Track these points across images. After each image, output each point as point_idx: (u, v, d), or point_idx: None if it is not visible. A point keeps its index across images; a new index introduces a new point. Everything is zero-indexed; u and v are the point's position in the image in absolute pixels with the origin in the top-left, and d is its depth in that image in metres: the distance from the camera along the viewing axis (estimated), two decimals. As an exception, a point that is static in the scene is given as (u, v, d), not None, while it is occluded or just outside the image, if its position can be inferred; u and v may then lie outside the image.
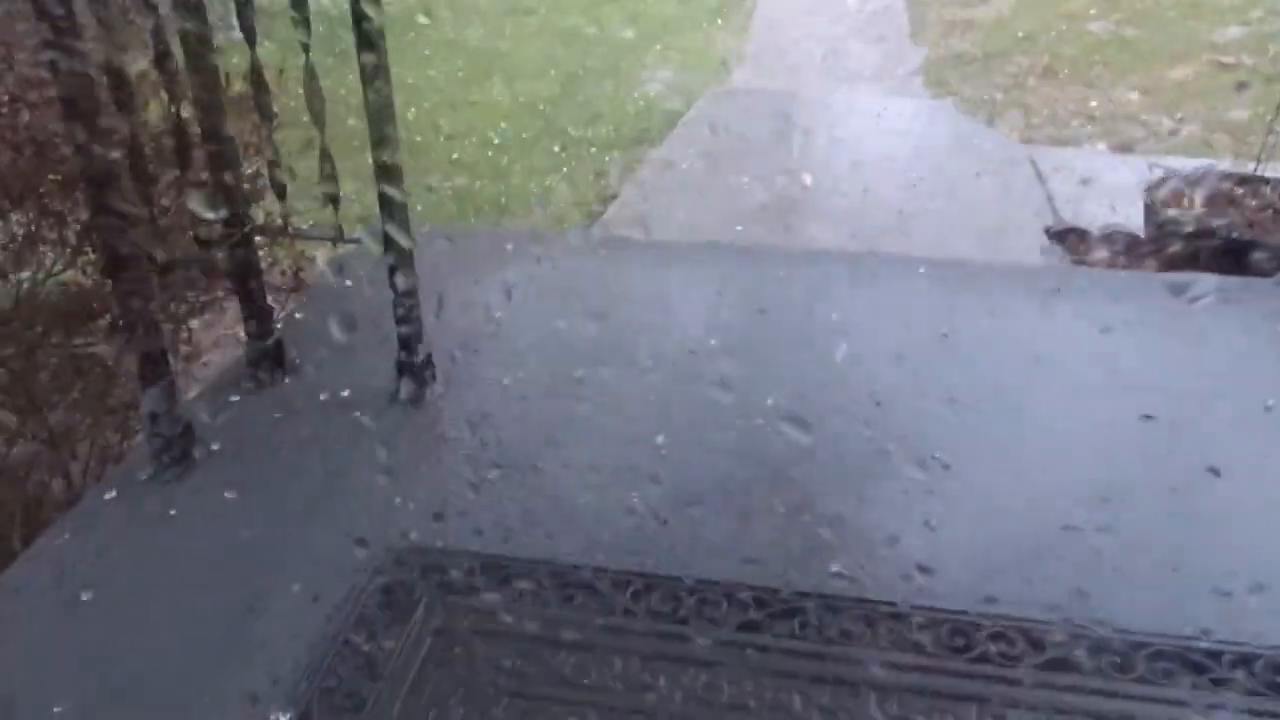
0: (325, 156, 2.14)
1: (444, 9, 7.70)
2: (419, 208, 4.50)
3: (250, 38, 2.11)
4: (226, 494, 1.92)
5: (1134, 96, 6.18)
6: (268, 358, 2.28)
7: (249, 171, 2.53)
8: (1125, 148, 5.38)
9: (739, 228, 4.33)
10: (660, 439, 2.10)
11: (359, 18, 2.00)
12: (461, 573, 1.73)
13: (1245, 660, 1.59)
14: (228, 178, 2.15)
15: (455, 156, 5.34)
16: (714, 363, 2.39)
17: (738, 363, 2.39)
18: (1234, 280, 2.84)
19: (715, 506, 1.90)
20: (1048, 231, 4.28)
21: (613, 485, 1.95)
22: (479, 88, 6.30)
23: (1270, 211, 3.65)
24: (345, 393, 2.22)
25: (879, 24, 7.67)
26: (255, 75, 2.15)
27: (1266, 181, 3.83)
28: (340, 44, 2.12)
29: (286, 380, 2.27)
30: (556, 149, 5.38)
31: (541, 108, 6.00)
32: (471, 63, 6.79)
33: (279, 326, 2.37)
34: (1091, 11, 7.63)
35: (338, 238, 2.15)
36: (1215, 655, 1.60)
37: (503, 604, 1.67)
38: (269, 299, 2.39)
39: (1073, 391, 2.26)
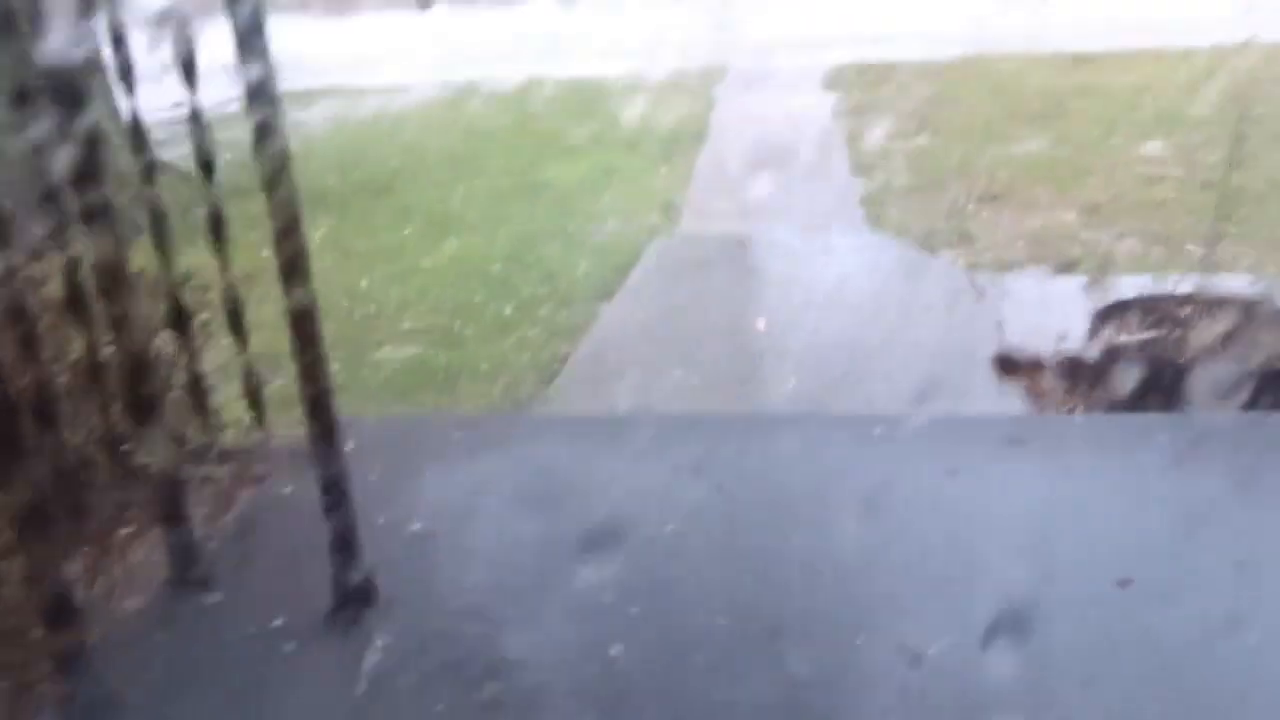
0: (250, 375, 2.07)
1: (395, 176, 7.84)
2: (368, 385, 4.42)
3: (165, 245, 2.05)
4: (143, 759, 1.75)
5: (1071, 216, 6.32)
6: (194, 586, 2.15)
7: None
8: (1068, 267, 5.45)
9: (695, 381, 4.28)
10: (615, 650, 1.96)
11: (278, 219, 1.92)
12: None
13: None
14: (146, 401, 2.06)
15: (407, 326, 5.29)
16: (674, 551, 2.28)
17: (697, 550, 2.29)
18: (1194, 417, 2.81)
19: (678, 728, 1.76)
20: (998, 363, 4.26)
21: (565, 714, 1.81)
22: (430, 252, 6.33)
23: (1213, 333, 3.66)
24: (277, 621, 2.07)
25: (820, 163, 7.87)
26: (172, 291, 2.09)
27: (1206, 300, 3.87)
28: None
29: (214, 611, 2.12)
30: (508, 311, 5.36)
31: (493, 269, 6.02)
32: (423, 227, 6.85)
33: (211, 546, 2.24)
34: (1021, 134, 7.91)
35: (264, 461, 2.04)
36: None
37: None
38: (196, 518, 2.27)
39: (1048, 557, 2.17)
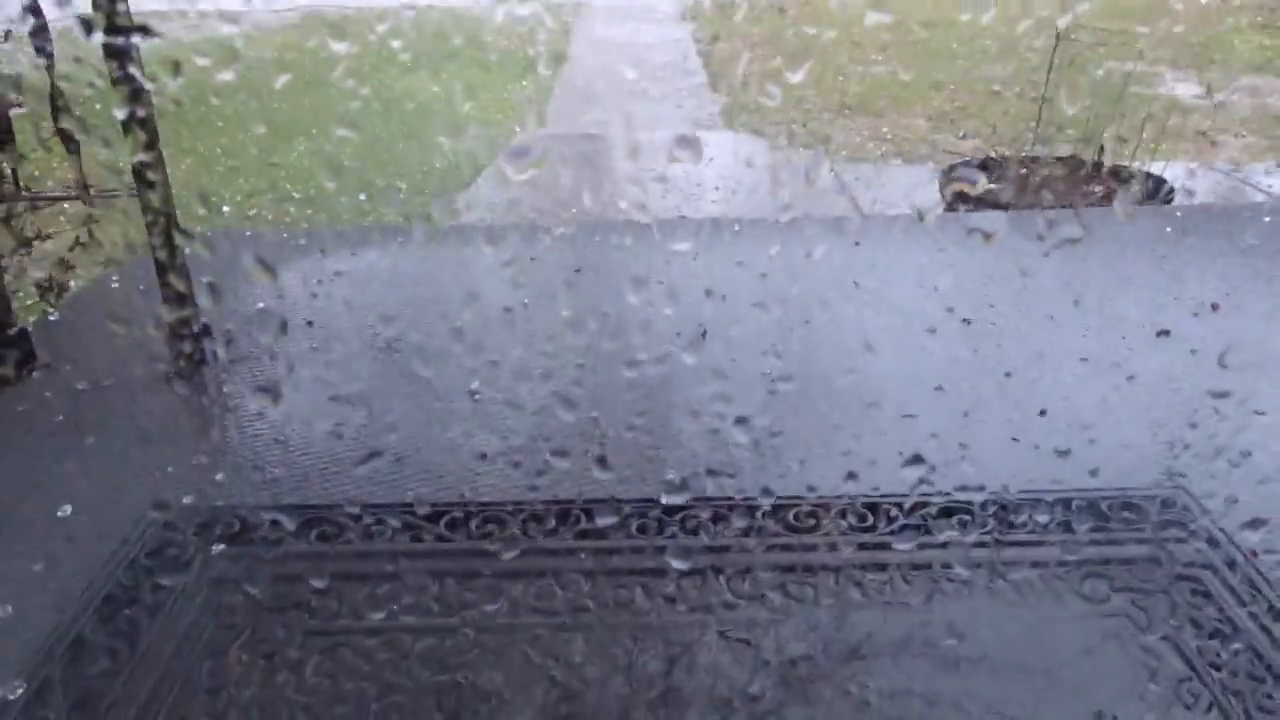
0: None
1: (236, 88, 7.45)
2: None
3: None
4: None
5: (921, 123, 6.57)
6: (7, 351, 1.97)
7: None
8: (918, 162, 5.66)
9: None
10: (475, 384, 1.92)
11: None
12: (245, 525, 1.48)
13: (1091, 504, 1.54)
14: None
15: (254, 213, 5.04)
16: (528, 320, 2.24)
17: (555, 316, 2.25)
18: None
19: (527, 446, 1.72)
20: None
21: (425, 433, 1.75)
22: (279, 151, 6.04)
23: (1040, 181, 3.95)
24: (107, 381, 1.93)
25: (679, 81, 7.94)
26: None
27: (1036, 160, 4.18)
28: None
29: (35, 375, 1.96)
30: (363, 198, 5.18)
31: (347, 164, 5.80)
32: (269, 130, 6.53)
33: (29, 323, 2.06)
34: (874, 58, 8.16)
35: (83, 197, 1.89)
36: (1066, 502, 1.54)
37: (295, 548, 1.42)
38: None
39: (896, 308, 2.23)
